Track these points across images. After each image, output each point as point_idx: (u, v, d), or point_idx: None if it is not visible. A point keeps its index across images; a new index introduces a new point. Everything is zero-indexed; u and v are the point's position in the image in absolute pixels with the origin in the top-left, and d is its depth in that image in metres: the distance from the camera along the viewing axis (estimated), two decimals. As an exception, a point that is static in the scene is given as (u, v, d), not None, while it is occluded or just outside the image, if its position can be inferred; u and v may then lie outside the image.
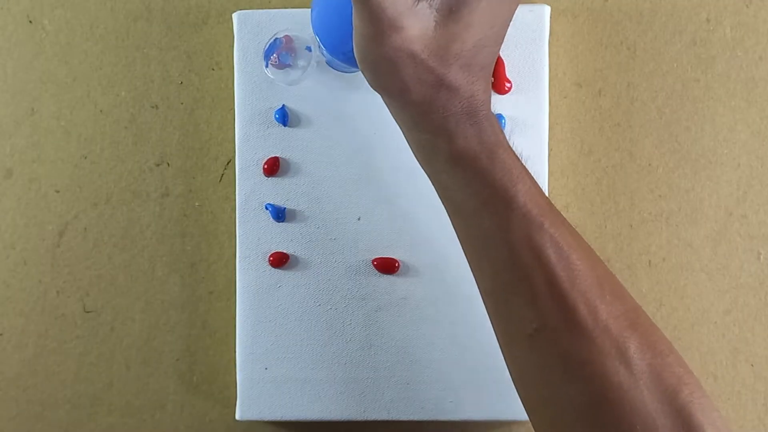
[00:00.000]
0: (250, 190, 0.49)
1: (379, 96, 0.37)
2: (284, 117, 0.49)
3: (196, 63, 0.51)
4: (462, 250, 0.39)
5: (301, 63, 0.47)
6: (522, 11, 0.48)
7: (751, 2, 0.50)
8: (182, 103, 0.52)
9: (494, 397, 0.48)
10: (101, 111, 0.52)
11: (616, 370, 0.34)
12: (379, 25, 0.34)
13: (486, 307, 0.38)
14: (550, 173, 0.50)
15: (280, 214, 0.49)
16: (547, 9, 0.48)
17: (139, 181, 0.52)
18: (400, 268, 0.49)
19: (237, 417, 0.49)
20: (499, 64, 0.48)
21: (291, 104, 0.49)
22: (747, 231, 0.50)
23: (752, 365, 0.50)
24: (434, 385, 0.49)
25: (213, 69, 0.51)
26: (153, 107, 0.52)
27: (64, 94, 0.52)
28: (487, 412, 0.48)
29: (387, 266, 0.49)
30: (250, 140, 0.49)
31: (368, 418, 0.49)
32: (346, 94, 0.49)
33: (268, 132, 0.49)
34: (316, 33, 0.43)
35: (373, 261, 0.49)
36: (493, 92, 0.48)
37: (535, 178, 0.38)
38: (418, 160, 0.39)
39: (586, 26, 0.51)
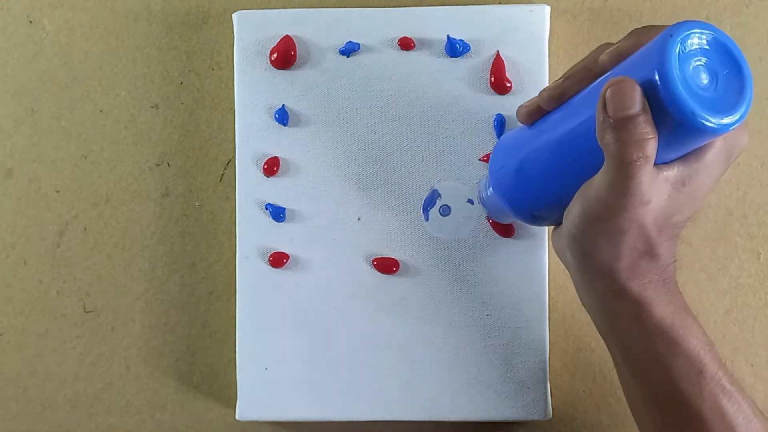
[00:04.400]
0: (250, 190, 0.49)
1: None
2: (284, 117, 0.49)
3: (196, 63, 0.51)
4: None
5: (462, 215, 0.47)
6: (522, 11, 0.48)
7: (751, 2, 0.50)
8: (182, 103, 0.52)
9: (494, 397, 0.48)
10: (101, 111, 0.52)
11: None
12: (630, 198, 0.33)
13: None
14: (550, 173, 0.50)
15: (280, 214, 0.49)
16: (547, 9, 0.48)
17: (139, 181, 0.52)
18: (400, 268, 0.49)
19: (237, 417, 0.49)
20: (499, 64, 0.48)
21: (291, 104, 0.49)
22: (747, 231, 0.50)
23: (752, 365, 0.50)
24: (434, 385, 0.49)
25: (213, 69, 0.51)
26: (153, 107, 0.52)
27: (64, 94, 0.52)
28: (487, 412, 0.48)
29: (387, 266, 0.49)
30: (250, 140, 0.49)
31: (368, 418, 0.49)
32: (346, 95, 0.49)
33: (268, 132, 0.49)
34: (498, 191, 0.41)
35: (373, 261, 0.49)
36: (493, 92, 0.48)
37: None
38: (595, 321, 0.40)
39: (586, 26, 0.51)
